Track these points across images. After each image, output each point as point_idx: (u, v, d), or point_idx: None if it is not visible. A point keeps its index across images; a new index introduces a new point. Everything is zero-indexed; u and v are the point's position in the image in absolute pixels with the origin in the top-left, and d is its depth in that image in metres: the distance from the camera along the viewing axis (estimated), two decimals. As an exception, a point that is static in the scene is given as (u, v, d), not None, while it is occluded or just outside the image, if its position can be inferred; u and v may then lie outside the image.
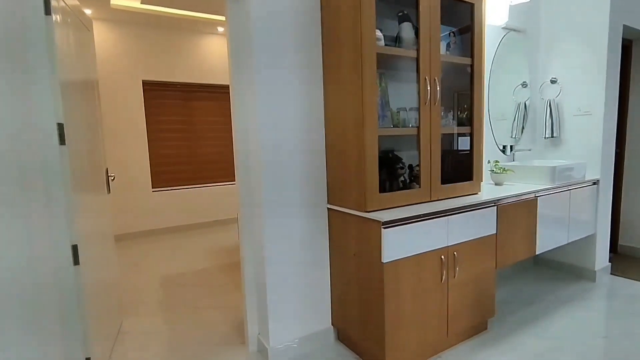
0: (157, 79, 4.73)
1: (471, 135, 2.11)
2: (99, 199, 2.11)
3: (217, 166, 5.33)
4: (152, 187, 4.83)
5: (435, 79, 1.88)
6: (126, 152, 4.58)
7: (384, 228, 1.64)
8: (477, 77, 2.08)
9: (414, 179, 2.06)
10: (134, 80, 4.56)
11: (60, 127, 1.54)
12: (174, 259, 3.83)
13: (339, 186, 1.93)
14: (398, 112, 2.00)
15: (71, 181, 1.58)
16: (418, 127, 1.86)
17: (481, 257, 2.03)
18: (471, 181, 2.11)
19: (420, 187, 1.89)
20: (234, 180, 5.63)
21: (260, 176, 1.85)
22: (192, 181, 5.16)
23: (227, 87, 5.26)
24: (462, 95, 2.14)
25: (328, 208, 2.04)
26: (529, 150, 2.91)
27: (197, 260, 3.74)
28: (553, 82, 2.92)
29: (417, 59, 1.83)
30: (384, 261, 1.65)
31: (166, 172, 4.96)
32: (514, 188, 2.33)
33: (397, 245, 1.68)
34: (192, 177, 5.15)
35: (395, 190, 1.86)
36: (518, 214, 2.20)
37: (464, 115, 2.13)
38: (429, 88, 1.85)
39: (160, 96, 4.85)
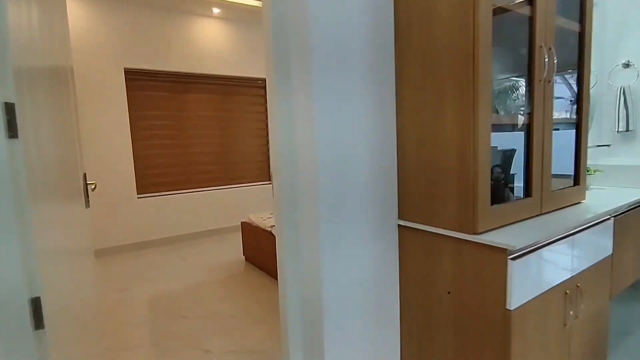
0: (142, 67, 4.07)
1: (578, 126, 1.62)
2: (74, 212, 1.51)
3: (213, 169, 4.71)
4: (137, 193, 4.16)
5: (551, 48, 1.37)
6: (106, 153, 3.91)
7: (512, 259, 1.11)
8: (587, 50, 1.59)
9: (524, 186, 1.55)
10: (114, 68, 3.89)
11: (9, 108, 0.94)
12: (166, 278, 3.20)
13: (420, 199, 1.38)
14: (499, 94, 1.48)
15: (29, 189, 0.99)
16: (530, 114, 1.35)
17: (597, 287, 1.54)
18: (577, 186, 1.62)
19: (530, 196, 1.38)
20: (233, 184, 5.06)
21: (316, 192, 1.29)
22: (183, 186, 4.51)
23: (225, 78, 4.64)
24: (566, 73, 1.64)
25: (399, 225, 1.49)
26: (608, 146, 2.46)
27: (195, 280, 3.13)
28: (626, 66, 2.48)
29: (532, 19, 1.32)
30: (511, 307, 1.12)
31: (153, 176, 4.31)
32: (611, 193, 1.85)
33: (524, 282, 1.16)
34: (183, 181, 4.51)
35: (501, 203, 1.34)
36: (635, 226, 1.72)
37: (570, 101, 1.63)
38: (545, 59, 1.34)
39: (146, 87, 4.19)
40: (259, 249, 3.27)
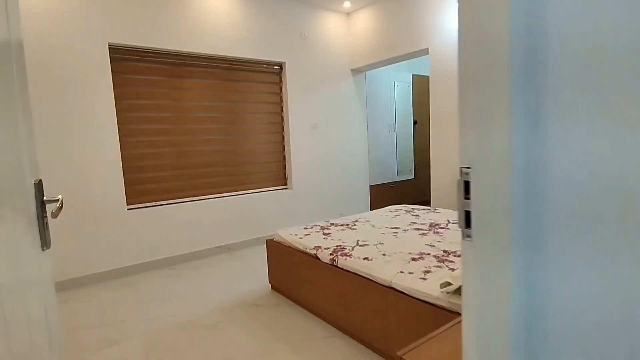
0: (132, 44, 3.22)
1: None
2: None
3: (219, 171, 3.87)
4: (127, 204, 3.30)
5: None
6: (86, 153, 3.03)
7: None
8: None
9: None
10: (95, 43, 3.03)
11: None
12: (167, 313, 2.36)
13: None
14: None
15: None
16: None
17: None
18: None
19: None
20: (244, 190, 4.22)
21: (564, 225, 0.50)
22: (183, 193, 3.66)
23: (233, 60, 3.81)
24: None
25: None
26: None
27: (205, 317, 2.29)
28: None
29: None
30: None
31: (146, 181, 3.45)
32: None
33: None
34: (183, 188, 3.66)
35: None
36: None
37: None
38: None
39: (135, 69, 3.33)
40: (293, 276, 2.47)
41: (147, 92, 3.39)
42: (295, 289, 2.49)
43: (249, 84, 4.01)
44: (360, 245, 2.25)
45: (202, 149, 3.74)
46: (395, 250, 2.11)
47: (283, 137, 4.32)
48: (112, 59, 3.14)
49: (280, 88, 4.25)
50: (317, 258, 2.24)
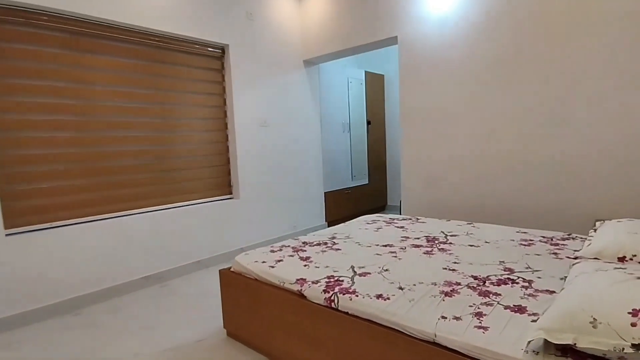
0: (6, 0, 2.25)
1: None
2: None
3: (143, 179, 2.99)
4: (6, 227, 2.29)
5: None
6: None
7: None
8: None
9: None
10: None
11: None
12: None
13: None
14: None
15: None
16: None
17: None
18: None
19: None
20: (177, 202, 3.34)
21: None
22: (94, 209, 2.72)
23: (161, 36, 2.97)
24: None
25: None
26: None
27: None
28: None
29: None
30: None
31: (38, 195, 2.46)
32: None
33: None
34: (95, 201, 2.72)
35: None
36: None
37: None
38: None
39: (13, 36, 2.35)
40: (263, 319, 1.79)
41: (35, 69, 2.42)
42: (266, 337, 1.80)
43: (184, 69, 3.20)
44: (360, 275, 1.67)
45: (120, 150, 2.84)
46: (411, 279, 1.57)
47: (227, 136, 3.57)
48: (-23, 16, 2.14)
49: (223, 77, 3.50)
50: (303, 297, 1.61)
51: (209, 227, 3.34)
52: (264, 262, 1.91)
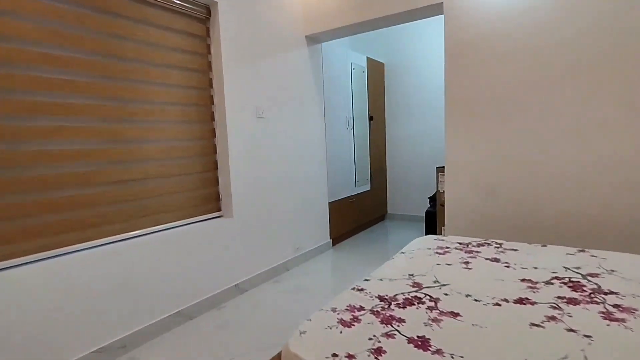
0: None
1: None
2: None
3: (98, 195, 1.93)
4: None
5: None
6: None
7: None
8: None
9: None
10: None
11: None
12: None
13: None
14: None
15: None
16: None
17: None
18: None
19: None
20: (148, 226, 2.19)
21: None
22: (16, 245, 1.64)
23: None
24: None
25: None
26: None
27: None
28: None
29: None
30: None
31: None
32: None
33: None
34: (15, 235, 1.63)
35: None
36: None
37: None
38: None
39: None
40: None
41: None
42: None
43: (153, 31, 2.19)
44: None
45: (51, 149, 1.77)
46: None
47: (214, 130, 2.59)
48: None
49: (209, 47, 2.52)
50: None
51: (191, 260, 2.34)
52: (349, 357, 1.02)
